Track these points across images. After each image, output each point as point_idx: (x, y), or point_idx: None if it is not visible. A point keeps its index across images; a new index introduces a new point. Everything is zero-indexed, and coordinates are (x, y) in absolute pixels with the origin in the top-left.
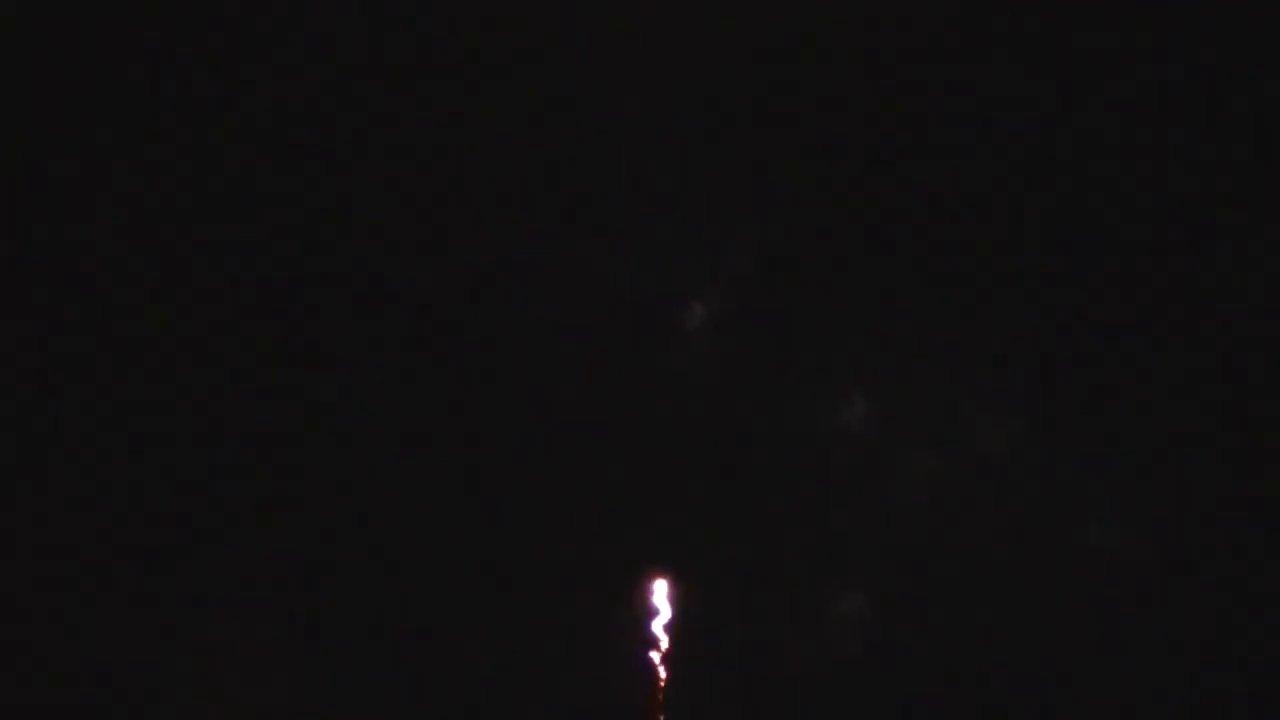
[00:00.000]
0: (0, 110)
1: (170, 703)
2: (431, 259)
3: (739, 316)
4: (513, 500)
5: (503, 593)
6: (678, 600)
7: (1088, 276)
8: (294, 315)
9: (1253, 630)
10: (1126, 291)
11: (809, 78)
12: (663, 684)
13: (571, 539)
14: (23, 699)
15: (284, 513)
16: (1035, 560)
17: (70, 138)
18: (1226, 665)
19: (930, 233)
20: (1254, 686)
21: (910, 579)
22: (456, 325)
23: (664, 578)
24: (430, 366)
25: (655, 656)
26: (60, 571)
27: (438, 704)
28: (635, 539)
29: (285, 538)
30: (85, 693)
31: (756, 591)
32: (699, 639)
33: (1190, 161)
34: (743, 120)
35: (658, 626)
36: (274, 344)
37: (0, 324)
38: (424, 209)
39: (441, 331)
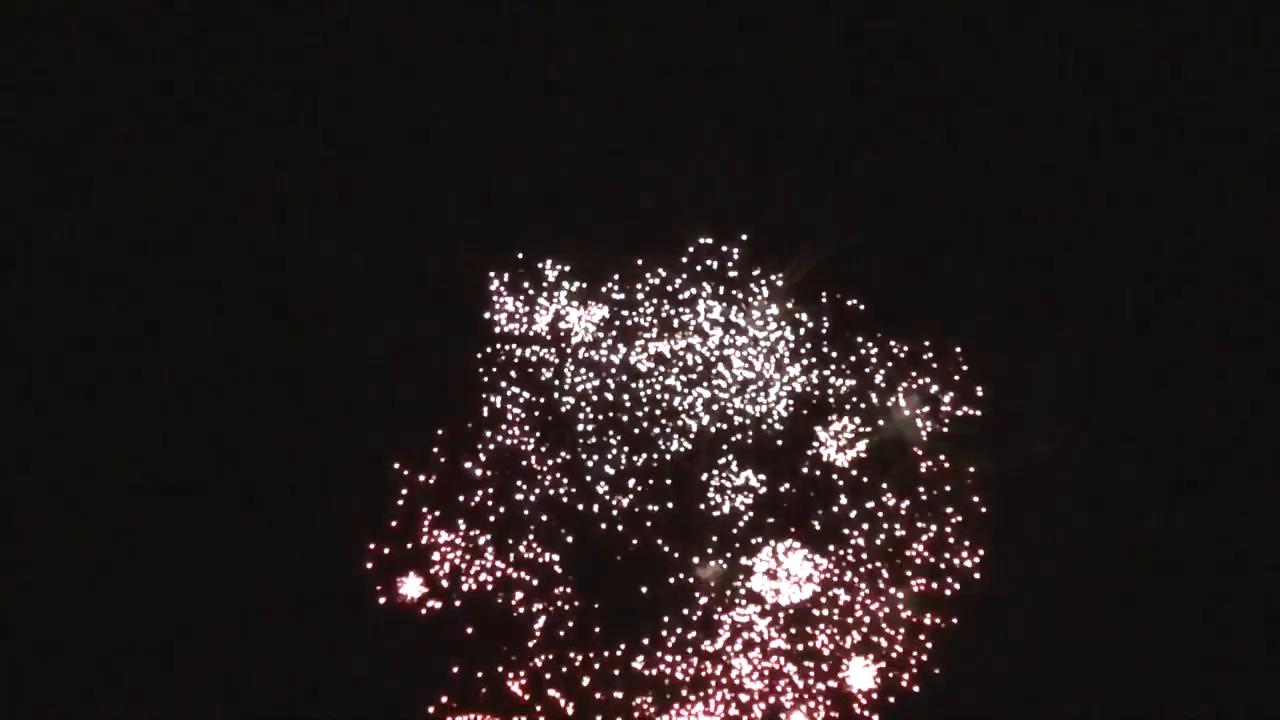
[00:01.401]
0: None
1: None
2: (487, 264)
3: (792, 318)
4: (554, 495)
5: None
6: (728, 599)
7: (1139, 287)
8: (313, 315)
9: None
10: (1177, 300)
11: (875, 90)
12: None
13: (634, 542)
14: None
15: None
16: (1084, 561)
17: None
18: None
19: (985, 242)
20: None
21: (962, 578)
22: (509, 328)
23: (714, 576)
24: (480, 371)
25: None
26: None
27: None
28: (688, 535)
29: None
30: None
31: (808, 590)
32: (751, 635)
33: (1252, 181)
34: (800, 129)
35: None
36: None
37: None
38: (483, 215)
39: (494, 337)
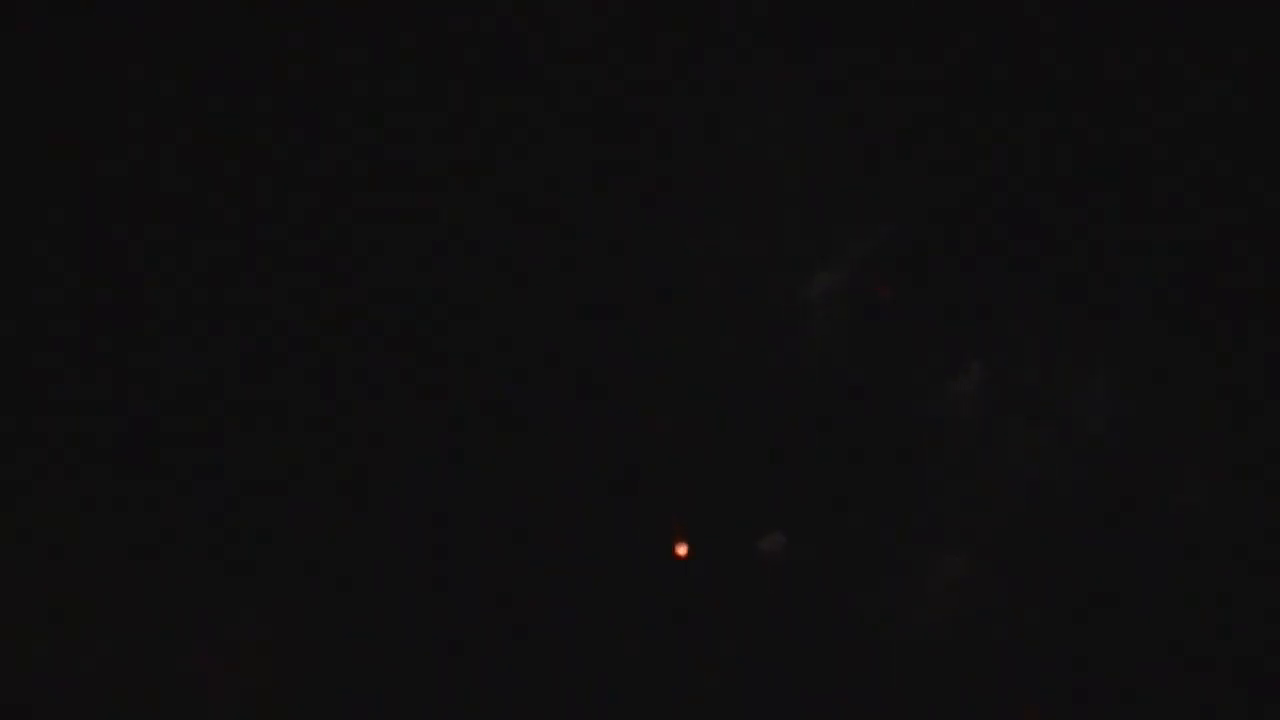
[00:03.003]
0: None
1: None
2: (551, 225)
3: (857, 288)
4: (626, 460)
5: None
6: (783, 565)
7: (1195, 255)
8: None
9: None
10: (1233, 269)
11: (936, 60)
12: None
13: (683, 503)
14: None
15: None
16: (1137, 533)
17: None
18: None
19: (1045, 210)
20: None
21: (1015, 549)
22: (576, 299)
23: (772, 542)
24: (554, 339)
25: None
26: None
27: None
28: (745, 503)
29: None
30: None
31: (862, 557)
32: (803, 602)
33: None
34: (867, 97)
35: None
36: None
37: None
38: (548, 174)
39: (561, 306)
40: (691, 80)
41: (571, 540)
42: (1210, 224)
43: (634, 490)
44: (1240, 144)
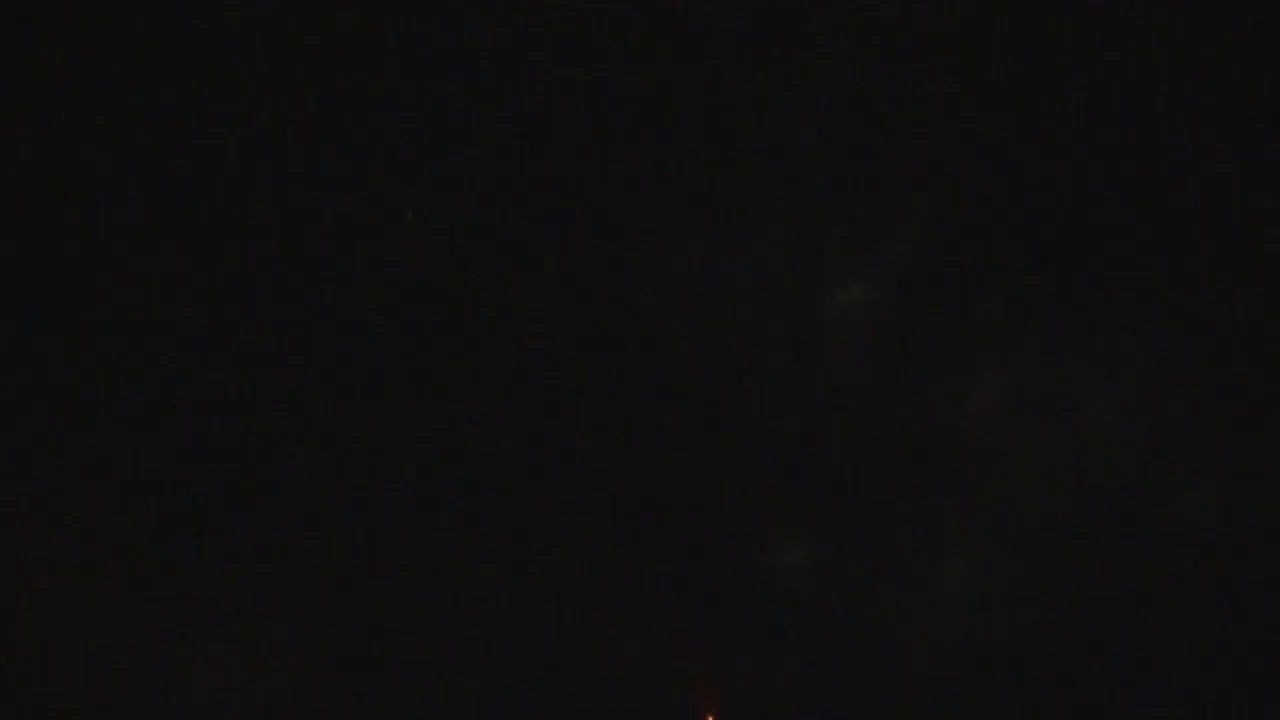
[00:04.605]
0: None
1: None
2: (572, 235)
3: (882, 302)
4: (651, 472)
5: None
6: (799, 574)
7: (1210, 262)
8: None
9: None
10: (1248, 275)
11: (967, 70)
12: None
13: (702, 512)
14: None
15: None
16: (1153, 543)
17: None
18: None
19: (1063, 222)
20: None
21: (1031, 559)
22: (601, 308)
23: (791, 547)
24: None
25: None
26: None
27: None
28: (765, 512)
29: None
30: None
31: (879, 567)
32: (819, 611)
33: None
34: (887, 111)
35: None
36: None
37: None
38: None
39: (583, 315)
40: (717, 89)
41: (586, 547)
42: (1223, 230)
43: (651, 500)
44: (1253, 148)
